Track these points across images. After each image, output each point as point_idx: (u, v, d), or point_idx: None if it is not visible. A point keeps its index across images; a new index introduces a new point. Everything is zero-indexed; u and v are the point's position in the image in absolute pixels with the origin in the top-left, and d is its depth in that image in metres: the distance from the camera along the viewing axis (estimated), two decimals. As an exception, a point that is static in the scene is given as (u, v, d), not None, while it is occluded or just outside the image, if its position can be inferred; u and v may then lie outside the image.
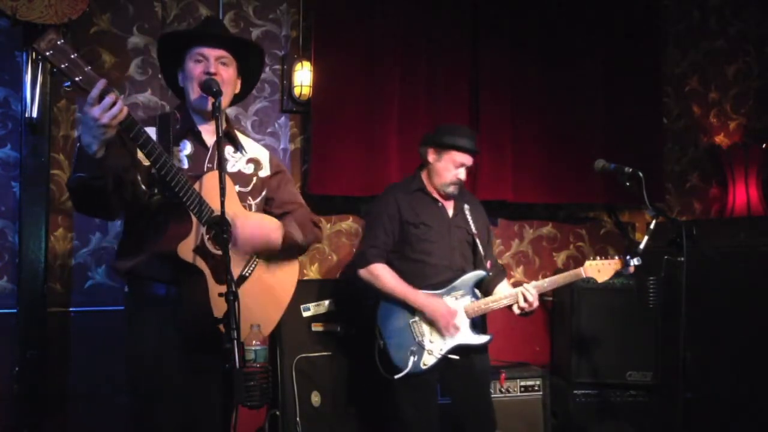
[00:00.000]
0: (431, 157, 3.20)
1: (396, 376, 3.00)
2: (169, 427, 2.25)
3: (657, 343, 3.98)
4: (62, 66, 1.91)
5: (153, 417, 2.25)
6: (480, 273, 3.18)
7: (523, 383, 3.81)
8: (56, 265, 3.54)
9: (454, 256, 3.18)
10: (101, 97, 1.93)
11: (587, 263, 3.21)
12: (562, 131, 4.33)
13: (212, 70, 2.26)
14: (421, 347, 3.04)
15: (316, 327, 3.73)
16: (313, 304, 3.76)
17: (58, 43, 1.90)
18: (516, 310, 3.11)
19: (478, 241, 3.21)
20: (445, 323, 3.02)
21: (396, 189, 3.27)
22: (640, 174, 2.90)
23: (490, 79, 4.20)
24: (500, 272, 3.32)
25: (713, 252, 3.83)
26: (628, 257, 3.11)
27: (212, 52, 2.30)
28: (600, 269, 3.18)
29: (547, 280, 3.19)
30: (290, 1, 4.02)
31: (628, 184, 2.94)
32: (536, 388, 3.82)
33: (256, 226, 2.34)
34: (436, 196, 3.22)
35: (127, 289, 2.36)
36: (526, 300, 3.07)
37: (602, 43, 4.44)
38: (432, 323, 3.06)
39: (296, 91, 3.92)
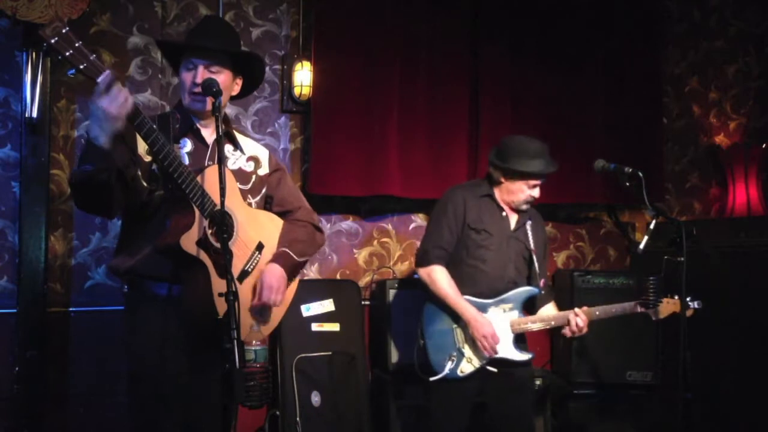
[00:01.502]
0: (502, 178, 3.09)
1: (432, 379, 2.97)
2: (170, 428, 2.25)
3: (657, 343, 3.98)
4: (67, 53, 1.92)
5: (154, 417, 2.25)
6: (533, 289, 3.11)
7: (523, 383, 3.80)
8: (56, 265, 3.53)
9: (508, 267, 3.11)
10: (109, 88, 1.95)
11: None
12: (562, 131, 4.32)
13: (198, 80, 2.27)
14: (461, 354, 2.99)
15: (316, 327, 3.74)
16: (313, 304, 3.76)
17: (63, 30, 1.91)
18: (567, 333, 3.07)
19: (535, 258, 3.13)
20: (484, 345, 2.95)
21: (463, 190, 3.17)
22: (640, 174, 2.89)
23: (490, 79, 4.20)
24: (549, 294, 3.24)
25: (713, 252, 3.83)
26: (688, 299, 2.99)
27: (200, 62, 2.30)
28: (657, 306, 3.11)
29: (599, 308, 3.13)
30: (290, 1, 4.02)
31: (628, 184, 2.93)
32: (536, 388, 3.81)
33: (276, 288, 2.34)
34: (503, 205, 3.13)
35: (126, 288, 2.35)
36: (576, 325, 3.03)
37: (602, 43, 4.44)
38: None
39: (296, 91, 3.92)
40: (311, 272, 4.05)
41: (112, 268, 2.37)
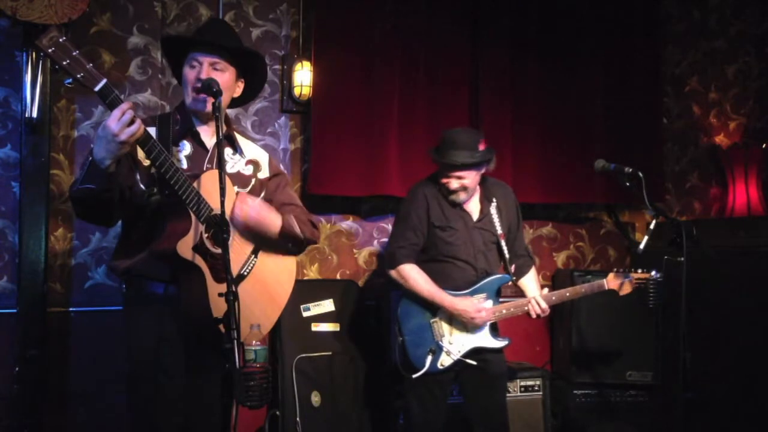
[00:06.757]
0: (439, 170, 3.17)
1: (414, 375, 3.01)
2: (168, 426, 2.25)
3: (657, 343, 3.98)
4: (64, 63, 1.94)
5: (152, 416, 2.26)
6: (504, 277, 3.18)
7: (523, 383, 3.80)
8: (56, 265, 3.53)
9: (478, 258, 3.17)
10: (122, 114, 1.98)
11: (610, 275, 3.21)
12: (562, 131, 4.33)
13: (203, 76, 2.27)
14: (439, 347, 3.05)
15: (316, 327, 3.74)
16: (313, 304, 3.76)
17: (60, 40, 1.93)
18: (533, 314, 3.14)
19: (503, 242, 3.19)
20: (469, 317, 3.03)
21: (424, 187, 3.20)
22: (640, 174, 2.90)
23: (490, 79, 4.20)
24: (527, 264, 3.32)
25: (713, 252, 3.83)
26: (654, 272, 3.13)
27: (206, 58, 2.30)
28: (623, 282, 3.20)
29: (569, 289, 3.22)
30: (290, 1, 4.02)
31: (628, 184, 2.94)
32: (536, 388, 3.82)
33: (257, 205, 2.34)
34: None
35: (124, 288, 2.36)
36: (540, 307, 3.11)
37: (602, 42, 4.44)
38: (452, 324, 3.08)
39: (296, 91, 3.92)
40: (311, 272, 4.06)
41: (111, 267, 2.40)
